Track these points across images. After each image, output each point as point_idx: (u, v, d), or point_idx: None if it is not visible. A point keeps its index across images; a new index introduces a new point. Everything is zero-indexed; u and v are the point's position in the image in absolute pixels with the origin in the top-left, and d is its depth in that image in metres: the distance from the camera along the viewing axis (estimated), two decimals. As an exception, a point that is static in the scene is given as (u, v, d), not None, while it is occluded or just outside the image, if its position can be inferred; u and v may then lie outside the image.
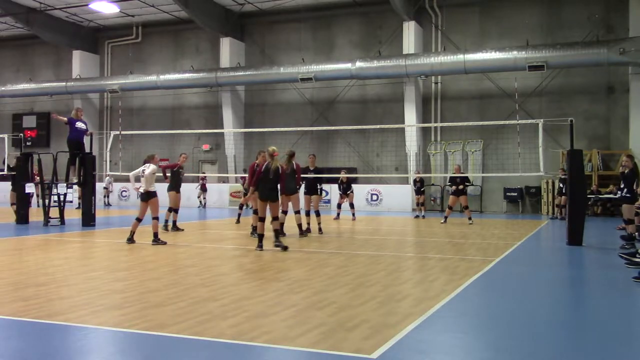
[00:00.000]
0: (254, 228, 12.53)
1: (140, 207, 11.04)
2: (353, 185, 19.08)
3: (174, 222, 13.75)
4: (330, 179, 19.70)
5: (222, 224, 17.02)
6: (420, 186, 19.32)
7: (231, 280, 7.42)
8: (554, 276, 8.30)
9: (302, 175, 13.20)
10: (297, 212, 12.62)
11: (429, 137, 24.01)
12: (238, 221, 16.20)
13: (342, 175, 18.27)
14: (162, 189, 12.32)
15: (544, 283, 7.69)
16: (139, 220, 11.04)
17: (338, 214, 18.36)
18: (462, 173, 17.31)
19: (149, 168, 10.90)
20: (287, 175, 11.84)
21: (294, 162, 12.06)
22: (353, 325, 5.02)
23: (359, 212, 19.60)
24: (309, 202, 13.88)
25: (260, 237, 10.37)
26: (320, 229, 13.41)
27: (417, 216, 19.49)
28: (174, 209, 13.74)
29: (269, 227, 10.54)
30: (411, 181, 21.44)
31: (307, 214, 13.48)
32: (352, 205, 18.34)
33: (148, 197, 10.86)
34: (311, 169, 14.00)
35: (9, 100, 30.77)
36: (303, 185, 13.68)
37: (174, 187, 13.64)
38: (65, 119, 14.94)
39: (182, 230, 13.70)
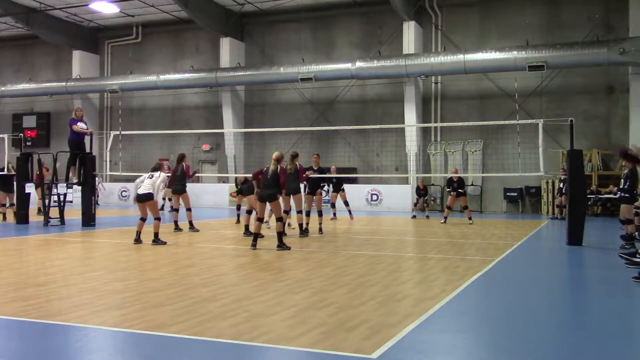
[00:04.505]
0: (247, 227, 12.72)
1: (139, 208, 11.17)
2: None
3: (175, 222, 13.87)
4: (330, 178, 19.60)
5: (222, 224, 17.01)
6: (424, 193, 20.65)
7: (231, 280, 7.42)
8: (553, 276, 8.30)
9: (310, 175, 13.36)
10: (299, 211, 12.64)
11: (429, 137, 24.00)
12: (238, 221, 16.20)
13: (333, 175, 17.87)
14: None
15: (544, 283, 7.70)
16: (143, 219, 11.12)
17: (334, 214, 18.26)
18: (460, 176, 17.28)
19: (160, 177, 11.22)
20: (290, 176, 11.91)
21: (297, 163, 12.21)
22: (353, 325, 5.02)
23: (359, 212, 19.58)
24: (311, 202, 13.90)
25: (255, 236, 10.44)
26: (320, 229, 13.42)
27: (414, 216, 19.58)
28: (175, 209, 14.19)
29: (265, 228, 10.56)
30: (412, 187, 22.05)
31: (307, 214, 13.48)
32: (346, 204, 18.04)
33: (146, 198, 10.97)
34: (315, 168, 14.03)
35: (9, 100, 30.73)
36: (306, 185, 13.84)
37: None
38: (89, 130, 15.53)
39: (182, 230, 13.71)
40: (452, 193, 16.90)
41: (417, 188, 20.64)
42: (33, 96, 30.04)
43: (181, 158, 14.14)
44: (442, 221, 16.87)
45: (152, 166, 11.64)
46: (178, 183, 13.94)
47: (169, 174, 13.94)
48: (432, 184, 23.64)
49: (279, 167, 10.73)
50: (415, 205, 20.49)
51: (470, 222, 16.51)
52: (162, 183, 11.41)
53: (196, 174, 14.72)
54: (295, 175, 12.14)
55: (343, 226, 15.96)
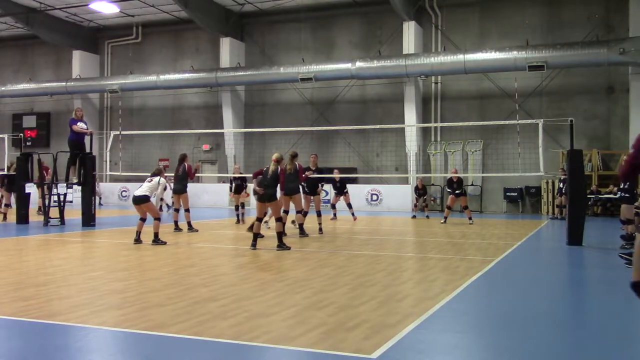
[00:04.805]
0: (252, 226, 12.70)
1: (137, 210, 11.23)
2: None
3: (175, 222, 13.88)
4: (330, 179, 19.62)
5: (222, 224, 17.01)
6: (423, 192, 20.34)
7: (231, 280, 7.42)
8: (553, 276, 8.30)
9: (309, 176, 13.34)
10: (299, 212, 12.64)
11: (429, 137, 24.00)
12: (238, 221, 16.22)
13: (336, 175, 17.88)
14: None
15: (544, 283, 7.69)
16: (142, 220, 11.15)
17: (334, 214, 18.26)
18: (459, 176, 17.27)
19: (160, 183, 11.29)
20: (289, 176, 11.90)
21: (296, 163, 12.19)
22: (353, 325, 5.02)
23: (359, 212, 19.56)
24: (309, 202, 13.90)
25: (255, 236, 10.44)
26: (320, 229, 13.42)
27: (414, 216, 19.58)
28: (175, 209, 14.18)
29: (265, 229, 10.55)
30: (412, 187, 21.90)
31: (305, 214, 13.46)
32: (349, 206, 18.06)
33: (141, 200, 11.02)
34: (313, 168, 14.01)
35: (9, 100, 30.74)
36: (304, 185, 13.81)
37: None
38: (89, 131, 15.49)
39: (182, 230, 13.71)
40: (454, 191, 16.86)
41: (416, 188, 20.57)
42: (33, 96, 30.03)
43: (183, 158, 14.15)
44: (442, 221, 16.86)
45: (152, 171, 11.68)
46: (179, 183, 13.95)
47: (169, 175, 13.94)
48: (432, 184, 23.65)
49: (279, 167, 10.77)
50: (415, 205, 20.48)
51: (470, 222, 16.51)
52: (162, 188, 11.42)
53: (197, 173, 14.74)
54: (294, 175, 12.13)
55: (343, 226, 15.96)
